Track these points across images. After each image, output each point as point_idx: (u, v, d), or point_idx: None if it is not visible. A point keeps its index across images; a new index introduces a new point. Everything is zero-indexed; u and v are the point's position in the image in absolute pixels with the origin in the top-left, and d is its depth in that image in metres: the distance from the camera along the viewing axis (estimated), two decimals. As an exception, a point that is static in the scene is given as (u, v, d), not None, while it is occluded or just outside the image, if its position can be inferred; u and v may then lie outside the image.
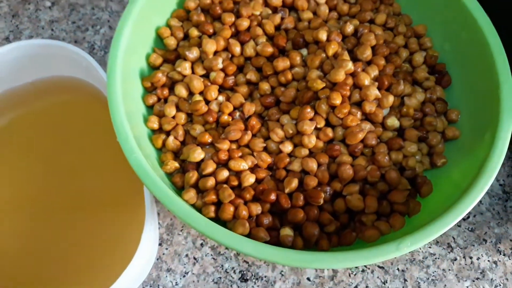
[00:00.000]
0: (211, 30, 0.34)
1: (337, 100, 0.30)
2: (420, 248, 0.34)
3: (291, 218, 0.28)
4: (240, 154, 0.30)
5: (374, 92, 0.30)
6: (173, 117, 0.31)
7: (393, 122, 0.31)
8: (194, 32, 0.34)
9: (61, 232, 0.32)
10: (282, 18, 0.35)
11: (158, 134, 0.31)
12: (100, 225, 0.32)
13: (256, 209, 0.28)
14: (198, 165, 0.30)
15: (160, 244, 0.33)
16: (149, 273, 0.32)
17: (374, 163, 0.30)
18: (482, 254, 0.34)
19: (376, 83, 0.31)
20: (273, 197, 0.28)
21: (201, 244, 0.34)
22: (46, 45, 0.34)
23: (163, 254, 0.33)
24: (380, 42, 0.34)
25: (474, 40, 0.33)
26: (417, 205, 0.29)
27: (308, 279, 0.33)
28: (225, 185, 0.28)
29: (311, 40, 0.34)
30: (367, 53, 0.32)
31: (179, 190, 0.30)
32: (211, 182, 0.29)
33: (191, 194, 0.28)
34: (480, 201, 0.36)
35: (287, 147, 0.30)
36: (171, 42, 0.34)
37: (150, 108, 0.33)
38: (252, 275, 0.33)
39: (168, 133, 0.31)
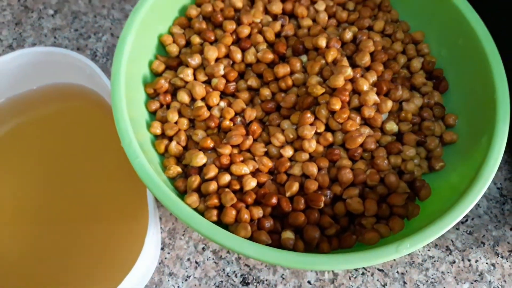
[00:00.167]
0: (212, 37, 0.34)
1: (336, 105, 0.30)
2: (419, 251, 0.35)
3: (292, 222, 0.28)
4: (241, 158, 0.30)
5: (373, 98, 0.31)
6: (176, 123, 0.32)
7: (391, 126, 0.32)
8: (196, 39, 0.34)
9: (64, 237, 0.32)
10: (282, 26, 0.35)
11: (161, 140, 0.31)
12: (103, 230, 0.32)
13: (258, 212, 0.28)
14: (201, 170, 0.30)
15: (162, 249, 0.34)
16: (152, 277, 0.33)
17: (374, 167, 0.30)
18: (480, 257, 0.35)
19: (375, 89, 0.32)
20: (274, 200, 0.28)
21: (203, 248, 0.34)
22: (50, 53, 0.34)
23: (165, 258, 0.33)
24: (378, 48, 0.34)
25: (470, 47, 0.33)
26: (416, 208, 0.30)
27: (309, 282, 0.33)
28: (227, 189, 0.29)
29: (310, 46, 0.34)
30: (366, 59, 0.33)
31: (182, 194, 0.30)
32: (213, 186, 0.29)
33: (194, 198, 0.28)
34: (478, 205, 0.37)
35: (288, 152, 0.31)
36: (174, 49, 0.34)
37: (152, 114, 0.33)
38: (254, 278, 0.33)
39: (170, 139, 0.32)
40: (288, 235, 0.28)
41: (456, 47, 0.35)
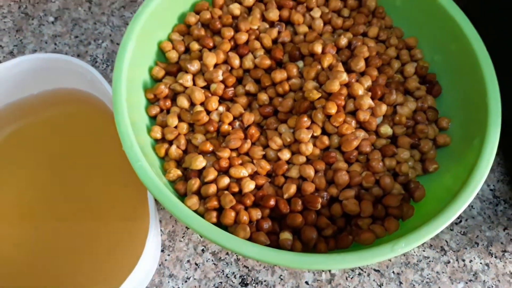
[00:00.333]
0: (211, 44, 0.35)
1: (332, 109, 0.31)
2: (415, 252, 0.35)
3: (290, 223, 0.29)
4: (240, 161, 0.31)
5: (367, 102, 0.31)
6: (176, 127, 0.32)
7: (386, 130, 0.32)
8: (195, 46, 0.35)
9: (66, 239, 0.32)
10: (279, 32, 0.36)
11: (161, 144, 0.32)
12: (104, 233, 0.33)
13: (256, 214, 0.29)
14: (200, 173, 0.31)
15: (162, 251, 0.34)
16: (152, 279, 0.33)
17: (369, 169, 0.31)
18: (474, 257, 0.35)
19: (370, 93, 0.32)
20: (272, 202, 0.29)
21: (202, 250, 0.34)
22: (52, 59, 0.35)
23: (165, 260, 0.34)
24: (373, 54, 0.35)
25: (462, 52, 0.34)
26: (410, 209, 0.30)
27: (307, 282, 0.34)
28: (226, 192, 0.30)
29: (307, 52, 0.35)
30: (361, 65, 0.34)
31: (182, 197, 0.31)
32: (212, 188, 0.30)
33: (194, 201, 0.29)
34: (472, 206, 0.38)
35: (285, 155, 0.31)
36: (173, 55, 0.35)
37: (153, 118, 0.34)
38: (252, 279, 0.34)
39: (170, 143, 0.32)
40: (286, 236, 0.28)
41: (449, 52, 0.36)
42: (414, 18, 0.38)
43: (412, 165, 0.33)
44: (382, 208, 0.30)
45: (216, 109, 0.33)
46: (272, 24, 0.37)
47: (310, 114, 0.32)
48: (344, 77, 0.32)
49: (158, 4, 0.34)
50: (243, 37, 0.35)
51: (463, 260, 0.35)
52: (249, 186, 0.30)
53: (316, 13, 0.37)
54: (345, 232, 0.30)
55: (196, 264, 0.34)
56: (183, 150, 0.32)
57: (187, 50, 0.36)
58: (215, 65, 0.34)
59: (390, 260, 0.35)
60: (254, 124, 0.33)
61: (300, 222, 0.29)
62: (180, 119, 0.33)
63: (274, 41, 0.36)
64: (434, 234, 0.26)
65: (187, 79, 0.33)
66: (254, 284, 0.33)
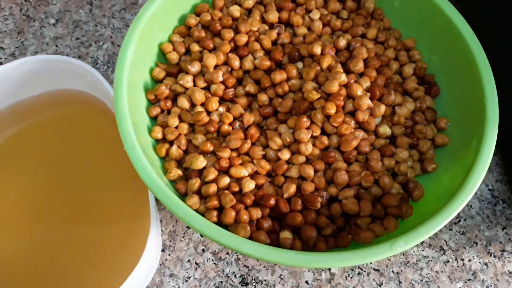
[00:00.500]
0: (211, 45, 0.35)
1: (331, 110, 0.31)
2: (414, 251, 0.35)
3: (290, 222, 0.29)
4: (240, 161, 0.31)
5: (366, 102, 0.32)
6: (176, 128, 0.33)
7: (385, 130, 0.33)
8: (195, 47, 0.35)
9: (67, 239, 0.32)
10: (279, 34, 0.36)
11: (162, 144, 0.32)
12: (105, 233, 0.33)
13: (257, 213, 0.29)
14: (201, 173, 0.31)
15: (163, 250, 0.35)
16: (153, 278, 0.33)
17: (368, 169, 0.31)
18: (473, 256, 0.36)
19: (368, 94, 0.33)
20: (272, 202, 0.29)
21: (203, 250, 0.35)
22: (53, 60, 0.35)
23: (166, 259, 0.34)
24: (371, 55, 0.35)
25: (460, 53, 0.34)
26: (409, 209, 0.31)
27: (307, 282, 0.34)
28: (226, 191, 0.30)
29: (306, 54, 0.35)
30: (359, 66, 0.34)
31: (182, 196, 0.31)
32: (213, 188, 0.30)
33: (194, 200, 0.29)
34: (471, 206, 0.38)
35: (285, 155, 0.31)
36: (174, 57, 0.35)
37: (154, 119, 0.34)
38: (252, 279, 0.34)
39: (171, 143, 0.33)
40: (286, 235, 0.29)
41: (447, 53, 0.36)
42: (412, 20, 0.38)
43: (411, 165, 0.33)
44: (381, 208, 0.30)
45: (217, 110, 0.33)
46: (271, 26, 0.37)
47: (309, 114, 0.32)
48: (343, 78, 0.32)
49: (158, 6, 0.34)
50: (243, 39, 0.35)
51: (462, 260, 0.36)
52: (249, 185, 0.30)
53: (315, 15, 0.37)
54: (345, 231, 0.30)
55: (196, 263, 0.34)
56: (184, 150, 0.32)
57: (188, 51, 0.37)
58: (215, 66, 0.35)
59: (389, 260, 0.35)
60: (254, 124, 0.33)
61: (300, 221, 0.29)
62: (181, 120, 0.33)
63: (274, 43, 0.37)
64: (433, 232, 0.27)
65: (187, 80, 0.33)
66: (254, 284, 0.34)
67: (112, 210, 0.34)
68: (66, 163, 0.35)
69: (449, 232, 0.37)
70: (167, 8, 0.35)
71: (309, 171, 0.31)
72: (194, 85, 0.34)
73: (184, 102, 0.33)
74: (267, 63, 0.34)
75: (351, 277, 0.34)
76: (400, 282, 0.34)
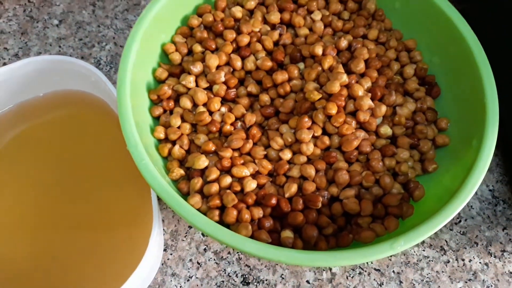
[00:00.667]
0: (213, 46, 0.36)
1: (333, 110, 0.31)
2: (415, 251, 0.36)
3: (291, 221, 0.29)
4: (242, 161, 0.31)
5: (367, 103, 0.32)
6: (179, 127, 0.33)
7: (386, 130, 0.33)
8: (198, 48, 0.36)
9: (70, 238, 0.33)
10: (280, 35, 0.37)
11: (164, 144, 0.32)
12: (107, 232, 0.33)
13: (258, 212, 0.29)
14: (203, 172, 0.31)
15: (164, 250, 0.35)
16: (155, 278, 0.34)
17: (369, 169, 0.32)
18: (473, 256, 0.36)
19: (369, 94, 0.33)
20: (274, 201, 0.29)
21: (204, 249, 0.35)
22: (57, 61, 0.35)
23: (168, 259, 0.34)
24: (372, 55, 0.35)
25: (460, 53, 0.35)
26: (410, 208, 0.31)
27: (308, 281, 0.34)
28: (228, 191, 0.30)
29: (307, 54, 0.35)
30: (361, 66, 0.34)
31: (185, 196, 0.31)
32: (215, 188, 0.30)
33: (197, 199, 0.29)
34: (471, 206, 0.38)
35: (287, 155, 0.32)
36: (176, 57, 0.36)
37: (156, 119, 0.34)
38: (254, 278, 0.34)
39: (173, 143, 0.33)
40: (287, 234, 0.29)
41: (447, 54, 0.36)
42: (413, 21, 0.38)
43: (411, 165, 0.33)
44: (382, 207, 0.31)
45: (219, 110, 0.33)
46: (273, 27, 0.37)
47: (311, 114, 0.33)
48: (344, 78, 0.32)
49: (161, 7, 0.34)
50: (245, 39, 0.36)
51: (463, 260, 0.36)
52: (251, 185, 0.30)
53: (317, 15, 0.38)
54: (346, 230, 0.30)
55: (198, 263, 0.34)
56: (186, 150, 0.33)
57: (190, 52, 0.37)
58: (218, 67, 0.35)
59: (390, 260, 0.35)
60: (255, 124, 0.33)
61: (301, 220, 0.29)
62: (183, 120, 0.33)
63: (276, 43, 0.37)
64: (433, 232, 0.27)
65: (190, 81, 0.34)
66: (255, 283, 0.34)
67: (115, 210, 0.34)
68: (69, 162, 0.36)
69: (450, 232, 0.37)
70: (169, 9, 0.35)
71: (311, 171, 0.31)
72: (197, 85, 0.34)
73: (186, 102, 0.33)
74: (269, 64, 0.35)
75: (352, 277, 0.34)
76: (401, 282, 0.34)
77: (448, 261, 0.35)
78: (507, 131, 0.38)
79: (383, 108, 0.33)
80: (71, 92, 0.38)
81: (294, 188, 0.30)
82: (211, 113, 0.33)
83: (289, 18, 0.37)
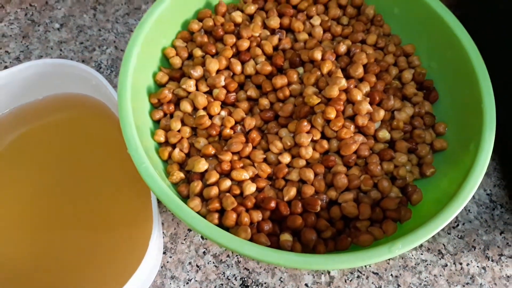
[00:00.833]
0: (213, 50, 0.36)
1: (331, 114, 0.32)
2: (413, 255, 0.36)
3: (290, 224, 0.29)
4: (241, 165, 0.31)
5: (366, 107, 0.32)
6: (179, 131, 0.33)
7: (384, 134, 0.33)
8: (198, 52, 0.36)
9: (70, 241, 0.33)
10: (280, 39, 0.37)
11: (165, 147, 0.33)
12: (107, 235, 0.33)
13: (257, 216, 0.30)
14: (202, 176, 0.32)
15: (164, 253, 0.35)
16: (154, 281, 0.34)
17: (367, 173, 0.32)
18: (471, 260, 0.36)
19: (368, 99, 0.33)
20: (273, 204, 0.30)
21: (204, 253, 0.35)
22: (58, 64, 0.35)
23: (167, 262, 0.35)
24: (371, 60, 0.36)
25: (458, 59, 0.35)
26: (408, 212, 0.31)
27: (306, 285, 0.34)
28: (228, 194, 0.30)
29: (307, 59, 0.36)
30: (359, 71, 0.34)
31: (184, 199, 0.31)
32: (214, 191, 0.30)
33: (196, 202, 0.30)
34: (469, 210, 0.38)
35: (286, 158, 0.32)
36: (177, 61, 0.36)
37: (156, 122, 0.34)
38: (253, 281, 0.34)
39: (174, 146, 0.33)
40: (286, 237, 0.29)
41: (445, 59, 0.36)
42: (411, 26, 0.38)
43: (409, 169, 0.33)
44: (380, 211, 0.31)
45: (218, 114, 0.34)
46: (273, 32, 0.38)
47: (310, 118, 0.33)
48: (343, 83, 0.33)
49: (162, 12, 0.34)
50: (244, 44, 0.36)
51: (460, 264, 0.36)
52: (250, 188, 0.30)
53: (316, 21, 0.38)
54: (344, 234, 0.31)
55: (197, 266, 0.34)
56: (186, 153, 0.33)
57: (190, 56, 0.37)
58: (218, 71, 0.35)
59: (388, 263, 0.35)
60: (255, 128, 0.34)
61: (300, 224, 0.29)
62: (183, 123, 0.34)
63: (275, 48, 0.37)
64: (430, 236, 0.27)
65: (190, 84, 0.34)
66: (254, 286, 0.34)
67: (115, 213, 0.34)
68: (69, 165, 0.36)
69: (448, 236, 0.37)
70: (170, 13, 0.36)
71: (309, 174, 0.31)
72: (197, 89, 0.35)
73: (186, 106, 0.34)
74: (268, 68, 0.35)
75: (350, 280, 0.34)
76: (399, 285, 0.35)
77: (446, 265, 0.36)
78: (505, 135, 0.38)
79: (382, 113, 0.33)
80: (71, 95, 0.38)
81: (293, 191, 0.30)
82: (211, 116, 0.34)
83: (289, 23, 0.38)
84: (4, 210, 0.34)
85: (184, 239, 0.35)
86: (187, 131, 0.33)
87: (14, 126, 0.37)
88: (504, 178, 0.40)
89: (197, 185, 0.30)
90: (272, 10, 0.38)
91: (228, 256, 0.35)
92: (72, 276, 0.32)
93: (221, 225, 0.30)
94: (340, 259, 0.26)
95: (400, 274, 0.35)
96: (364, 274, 0.35)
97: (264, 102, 0.34)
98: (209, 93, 0.35)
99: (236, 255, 0.35)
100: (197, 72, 0.34)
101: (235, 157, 0.32)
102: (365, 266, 0.35)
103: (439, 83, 0.37)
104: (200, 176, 0.31)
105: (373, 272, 0.35)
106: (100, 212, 0.34)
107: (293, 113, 0.33)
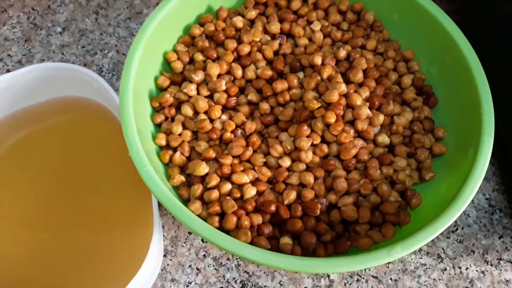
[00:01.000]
0: (214, 55, 0.36)
1: (331, 118, 0.32)
2: (412, 259, 0.36)
3: (290, 228, 0.30)
4: (242, 168, 0.32)
5: (365, 112, 0.32)
6: (180, 135, 0.33)
7: (383, 139, 0.33)
8: (199, 57, 0.36)
9: (71, 244, 0.33)
10: (280, 44, 0.37)
11: (166, 150, 0.33)
12: (108, 238, 0.33)
13: (258, 219, 0.30)
14: (203, 179, 0.32)
15: (164, 256, 0.35)
16: (154, 283, 0.34)
17: (367, 177, 0.32)
18: (470, 264, 0.36)
19: (368, 103, 0.33)
20: (273, 208, 0.30)
21: (204, 256, 0.35)
22: (60, 68, 0.36)
23: (168, 265, 0.35)
24: (371, 65, 0.36)
25: (457, 64, 0.35)
26: (407, 216, 0.31)
27: (306, 288, 0.34)
28: (228, 197, 0.30)
29: (307, 64, 0.36)
30: (359, 76, 0.35)
31: (185, 202, 0.32)
32: (215, 194, 0.30)
33: (197, 206, 0.30)
34: (468, 214, 0.39)
35: (286, 162, 0.32)
36: (178, 65, 0.36)
37: (158, 126, 0.35)
38: (253, 285, 0.34)
39: (175, 149, 0.33)
40: (286, 240, 0.29)
41: (444, 64, 0.37)
42: (411, 32, 0.39)
43: (409, 174, 0.33)
44: (379, 215, 0.31)
45: (219, 118, 0.34)
46: (273, 37, 0.38)
47: (310, 123, 0.33)
48: (343, 87, 0.33)
49: (164, 16, 0.35)
50: (245, 49, 0.36)
51: (460, 268, 0.36)
52: (251, 192, 0.31)
53: (316, 26, 0.38)
54: (344, 237, 0.31)
55: (197, 269, 0.35)
56: (187, 156, 0.33)
57: (192, 60, 0.37)
58: (219, 75, 0.35)
59: (388, 267, 0.36)
60: (255, 132, 0.34)
61: (300, 227, 0.30)
62: (184, 127, 0.34)
63: (276, 53, 0.37)
64: (429, 239, 0.27)
65: (191, 89, 0.34)
66: (254, 289, 0.34)
67: (116, 216, 0.34)
68: (71, 168, 0.36)
69: (447, 240, 0.37)
70: (172, 18, 0.36)
71: (309, 178, 0.31)
72: (198, 93, 0.35)
73: (187, 110, 0.34)
74: (269, 73, 0.35)
75: (350, 284, 0.35)
76: (398, 289, 0.35)
77: (445, 269, 0.36)
78: (504, 140, 0.38)
79: (381, 117, 0.33)
80: (73, 98, 0.39)
81: (293, 195, 0.31)
82: (211, 120, 0.34)
83: (289, 28, 0.38)
84: (6, 211, 0.34)
85: (185, 242, 0.36)
86: (188, 134, 0.33)
87: (16, 128, 0.37)
88: (503, 182, 0.40)
89: (198, 189, 0.31)
90: (273, 15, 0.38)
91: (228, 259, 0.35)
92: (73, 278, 0.32)
93: (221, 228, 0.30)
94: (339, 263, 0.26)
95: (399, 278, 0.35)
96: (363, 278, 0.35)
97: (265, 106, 0.34)
98: (210, 97, 0.35)
99: (236, 258, 0.35)
100: (198, 76, 0.35)
101: (236, 161, 0.32)
102: (365, 269, 0.35)
103: (439, 88, 0.37)
104: (200, 180, 0.32)
105: (372, 276, 0.35)
106: (100, 214, 0.34)
107: (293, 118, 0.34)
